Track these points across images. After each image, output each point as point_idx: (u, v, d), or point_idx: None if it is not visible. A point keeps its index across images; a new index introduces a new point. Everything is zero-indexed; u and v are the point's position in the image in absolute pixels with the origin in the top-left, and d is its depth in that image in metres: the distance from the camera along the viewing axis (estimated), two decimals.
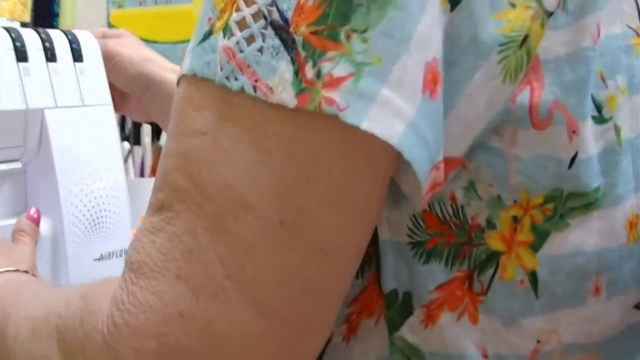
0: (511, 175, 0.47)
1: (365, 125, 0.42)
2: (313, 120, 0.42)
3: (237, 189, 0.43)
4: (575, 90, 0.47)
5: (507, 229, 0.47)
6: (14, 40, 0.83)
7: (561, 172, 0.47)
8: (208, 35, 0.45)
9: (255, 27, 0.43)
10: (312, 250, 0.44)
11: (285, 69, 0.42)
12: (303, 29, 0.42)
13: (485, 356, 0.49)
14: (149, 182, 1.63)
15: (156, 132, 1.65)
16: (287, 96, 0.42)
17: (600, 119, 0.49)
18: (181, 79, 0.47)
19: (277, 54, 0.42)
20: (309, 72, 0.42)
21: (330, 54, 0.42)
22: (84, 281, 0.87)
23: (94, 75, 0.90)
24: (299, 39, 0.42)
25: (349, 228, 0.45)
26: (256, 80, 0.43)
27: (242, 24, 0.43)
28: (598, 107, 0.48)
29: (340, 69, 0.42)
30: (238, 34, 0.43)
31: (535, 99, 0.46)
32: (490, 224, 0.47)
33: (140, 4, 2.05)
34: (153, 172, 1.65)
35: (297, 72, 0.42)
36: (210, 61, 0.44)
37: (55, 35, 0.88)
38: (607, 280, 0.50)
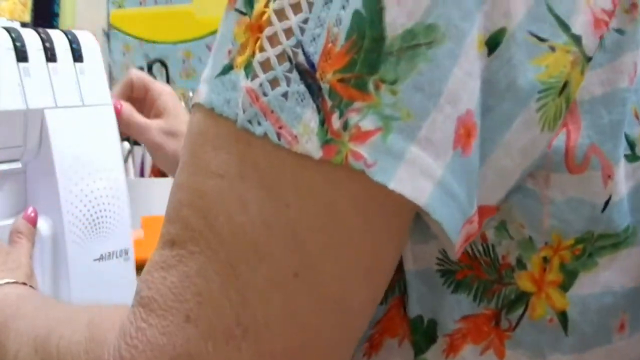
0: (545, 218, 0.45)
1: (392, 185, 0.40)
2: (337, 173, 0.41)
3: (252, 237, 0.42)
4: (611, 134, 0.45)
5: (537, 270, 0.46)
6: (14, 40, 0.83)
7: (594, 216, 0.46)
8: (228, 69, 0.43)
9: (280, 69, 0.41)
10: (326, 302, 0.43)
11: (310, 117, 0.40)
12: (330, 75, 0.40)
13: None
14: (149, 182, 1.63)
15: None
16: (311, 147, 0.40)
17: (632, 157, 0.47)
18: (197, 107, 0.45)
19: (302, 100, 0.40)
20: (336, 122, 0.40)
21: (357, 104, 0.40)
22: (84, 281, 0.87)
23: (94, 75, 0.90)
24: (325, 86, 0.40)
25: (365, 281, 0.44)
26: (280, 127, 0.41)
27: (265, 65, 0.41)
28: (631, 145, 0.47)
29: (368, 122, 0.40)
30: (262, 76, 0.41)
31: (572, 143, 0.44)
32: (521, 264, 0.46)
33: (140, 4, 2.05)
34: (153, 172, 1.65)
35: (323, 122, 0.40)
36: (230, 99, 0.42)
37: (55, 35, 0.88)
38: (631, 316, 0.49)
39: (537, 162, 0.44)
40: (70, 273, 0.86)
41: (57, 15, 1.74)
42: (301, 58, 0.41)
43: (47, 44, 0.86)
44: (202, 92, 0.44)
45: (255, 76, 0.42)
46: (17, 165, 0.86)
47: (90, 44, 0.91)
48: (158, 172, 1.66)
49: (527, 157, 0.44)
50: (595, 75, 0.44)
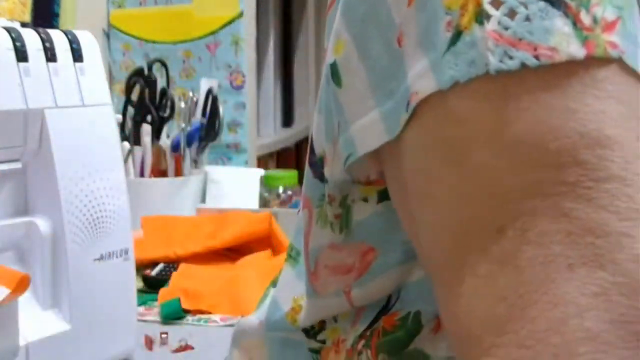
0: None
1: None
2: (600, 69, 0.40)
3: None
4: None
5: None
6: (14, 40, 0.83)
7: None
8: (456, 38, 0.41)
9: None
10: None
11: (562, 24, 0.40)
12: None
13: None
14: (149, 182, 1.63)
15: (156, 132, 1.65)
16: (574, 48, 0.39)
17: None
18: (428, 101, 0.41)
19: (546, 14, 0.40)
20: (586, 18, 0.40)
21: None
22: (84, 281, 0.87)
23: (94, 75, 0.91)
24: None
25: None
26: (535, 49, 0.40)
27: (495, 3, 0.40)
28: None
29: (609, 13, 0.40)
30: (496, 14, 0.40)
31: None
32: None
33: (140, 4, 2.05)
34: (153, 172, 1.65)
35: (575, 23, 0.40)
36: (474, 59, 0.40)
37: (55, 35, 0.88)
38: None
39: None
40: (70, 273, 0.86)
41: (57, 15, 1.75)
42: None
43: (47, 44, 0.86)
44: (431, 81, 0.41)
45: (489, 17, 0.40)
46: (17, 165, 0.86)
47: (90, 44, 0.91)
48: (158, 172, 1.66)
49: None
50: None
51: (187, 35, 2.03)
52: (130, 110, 1.65)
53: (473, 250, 0.40)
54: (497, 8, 0.40)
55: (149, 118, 1.64)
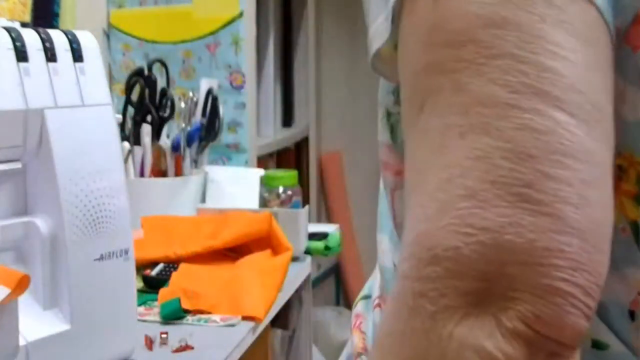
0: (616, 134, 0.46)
1: None
2: None
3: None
4: None
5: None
6: (14, 40, 0.83)
7: None
8: None
9: None
10: None
11: None
12: None
13: None
14: (149, 182, 1.63)
15: (156, 132, 1.65)
16: None
17: None
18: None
19: None
20: None
21: None
22: (84, 281, 0.87)
23: (94, 75, 0.91)
24: None
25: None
26: None
27: None
28: None
29: None
30: None
31: None
32: None
33: (140, 4, 2.05)
34: (153, 172, 1.65)
35: None
36: None
37: (55, 35, 0.88)
38: None
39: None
40: (70, 273, 0.86)
41: (57, 15, 1.74)
42: None
43: (47, 44, 0.86)
44: (379, 38, 0.47)
45: None
46: (17, 165, 0.86)
47: (90, 44, 0.91)
48: (158, 172, 1.66)
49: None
50: None
51: (187, 35, 2.03)
52: (130, 110, 1.65)
53: (409, 126, 0.45)
54: None
55: (149, 118, 1.64)
